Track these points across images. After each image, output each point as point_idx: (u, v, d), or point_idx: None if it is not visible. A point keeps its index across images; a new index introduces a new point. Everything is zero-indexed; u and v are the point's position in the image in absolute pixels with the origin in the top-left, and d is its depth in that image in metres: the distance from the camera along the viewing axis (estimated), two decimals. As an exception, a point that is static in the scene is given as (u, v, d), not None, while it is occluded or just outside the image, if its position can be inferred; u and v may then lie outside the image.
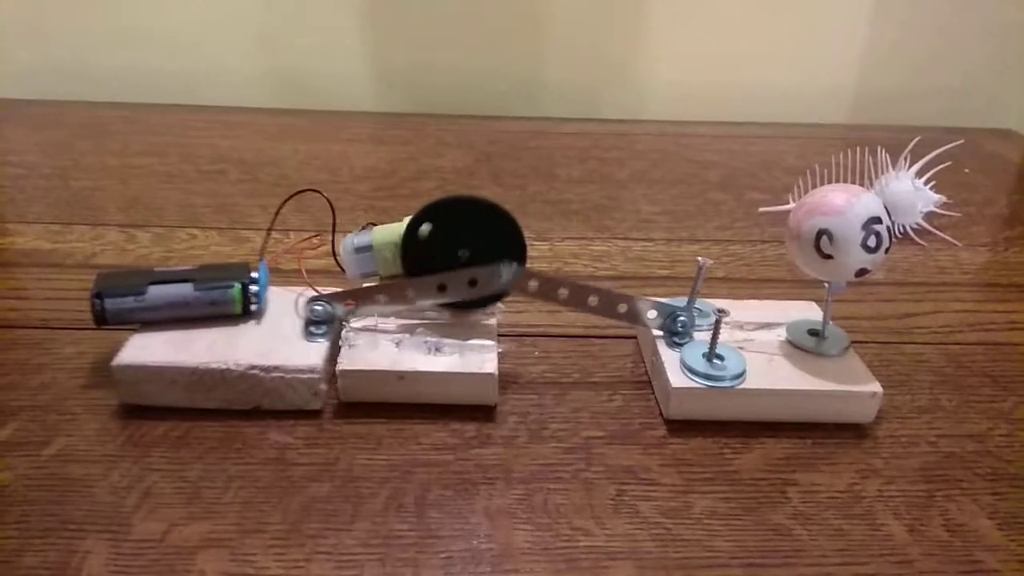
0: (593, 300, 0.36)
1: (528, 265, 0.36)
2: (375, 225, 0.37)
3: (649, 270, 0.49)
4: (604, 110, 0.84)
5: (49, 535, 0.27)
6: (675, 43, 0.83)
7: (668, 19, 0.82)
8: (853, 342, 0.37)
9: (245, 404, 0.34)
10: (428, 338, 0.36)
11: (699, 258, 0.36)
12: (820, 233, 0.33)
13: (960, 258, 0.53)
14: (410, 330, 0.36)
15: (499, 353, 0.35)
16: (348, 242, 0.37)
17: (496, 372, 0.34)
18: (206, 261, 0.47)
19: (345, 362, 0.34)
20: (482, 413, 0.34)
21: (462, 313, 0.37)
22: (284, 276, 0.39)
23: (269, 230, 0.39)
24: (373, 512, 0.29)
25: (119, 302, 0.35)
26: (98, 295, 0.35)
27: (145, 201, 0.56)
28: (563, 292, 0.36)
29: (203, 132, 0.72)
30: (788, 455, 0.33)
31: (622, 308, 0.37)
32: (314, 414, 0.34)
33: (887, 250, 0.33)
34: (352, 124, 0.78)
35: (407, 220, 0.36)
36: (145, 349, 0.34)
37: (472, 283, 0.35)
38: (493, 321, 0.38)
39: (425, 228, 0.36)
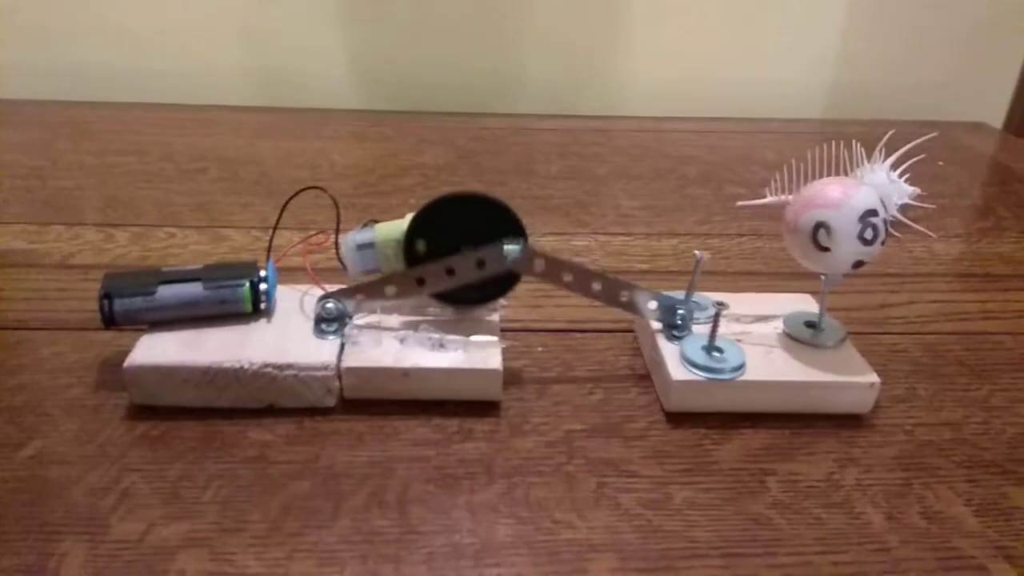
0: (597, 286, 0.36)
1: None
2: (376, 222, 0.37)
3: (629, 264, 0.50)
4: (583, 106, 0.84)
5: (26, 537, 0.27)
6: (653, 39, 0.83)
7: (646, 15, 0.82)
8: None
9: (258, 403, 0.34)
10: (431, 334, 0.36)
11: (696, 252, 0.36)
12: (818, 226, 0.33)
13: (935, 249, 0.54)
14: (413, 327, 0.36)
15: (503, 349, 0.35)
16: (350, 239, 0.37)
17: (501, 368, 0.34)
18: (185, 260, 0.47)
19: (349, 359, 0.34)
20: (463, 408, 0.34)
21: (465, 310, 0.37)
22: (287, 274, 0.39)
23: (274, 228, 0.39)
24: (354, 509, 0.29)
25: (128, 302, 0.34)
26: (107, 295, 0.34)
27: (123, 200, 0.56)
28: (568, 276, 0.35)
29: (182, 130, 0.72)
30: (767, 445, 0.33)
31: (624, 297, 0.37)
32: (294, 412, 0.34)
33: (883, 242, 0.33)
34: (333, 122, 0.77)
35: (410, 216, 0.36)
36: (156, 349, 0.34)
37: (480, 264, 0.35)
38: (496, 317, 0.37)
39: (421, 246, 0.36)
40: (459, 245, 0.35)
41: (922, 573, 0.27)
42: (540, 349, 0.39)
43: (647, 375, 0.38)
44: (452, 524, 0.28)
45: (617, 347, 0.40)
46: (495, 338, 0.36)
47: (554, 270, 0.35)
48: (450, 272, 0.35)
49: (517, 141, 0.73)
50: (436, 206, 0.35)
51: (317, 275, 0.37)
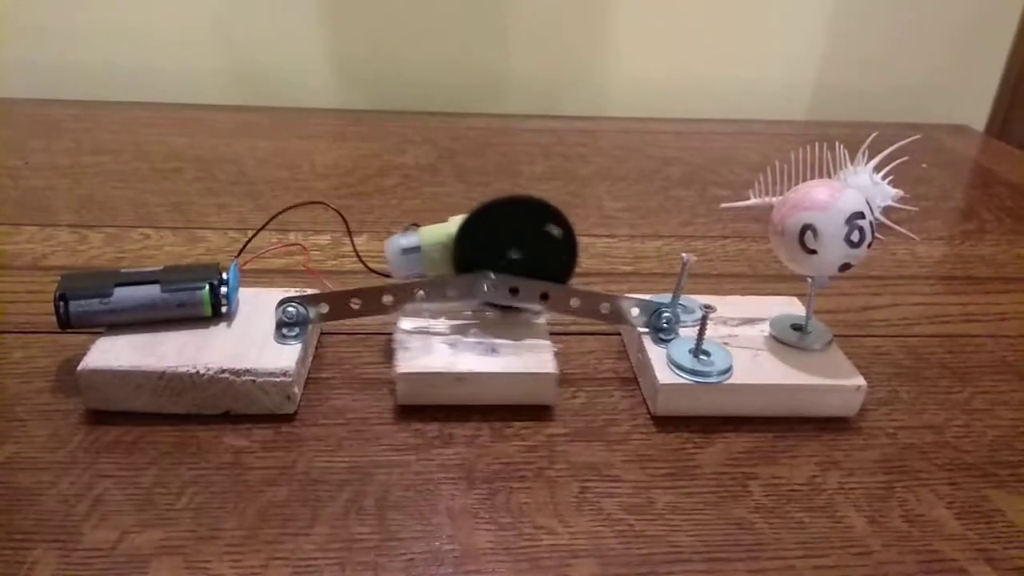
0: (575, 302, 0.36)
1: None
2: (418, 226, 0.37)
3: (612, 266, 0.49)
4: (568, 107, 0.84)
5: (-6, 546, 0.26)
6: (638, 40, 0.83)
7: (632, 16, 0.82)
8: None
9: (215, 409, 0.33)
10: (482, 339, 0.35)
11: (683, 254, 0.36)
12: (805, 228, 0.33)
13: (917, 252, 0.54)
14: (463, 331, 0.36)
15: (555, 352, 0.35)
16: (394, 243, 0.36)
17: (556, 371, 0.34)
18: (160, 262, 0.46)
19: (402, 365, 0.34)
20: (442, 412, 0.34)
21: (512, 313, 0.37)
22: (260, 276, 0.38)
23: (258, 230, 0.39)
24: (332, 515, 0.28)
25: (84, 304, 0.34)
26: (62, 297, 0.34)
27: (97, 201, 0.55)
28: (543, 297, 0.36)
29: (158, 129, 0.71)
30: (749, 449, 0.33)
31: (604, 308, 0.37)
32: (273, 417, 0.33)
33: (869, 244, 0.33)
34: (313, 121, 0.76)
35: (456, 220, 0.36)
36: (111, 353, 0.33)
37: (451, 290, 0.35)
38: (543, 320, 0.37)
39: (556, 230, 0.35)
40: (509, 247, 0.35)
41: (904, 577, 0.27)
42: None
43: (630, 378, 0.37)
44: (432, 530, 0.28)
45: (600, 350, 0.39)
46: (546, 341, 0.36)
47: (528, 294, 0.35)
48: (420, 293, 0.35)
49: (500, 141, 0.73)
50: (498, 205, 0.35)
51: (275, 276, 0.37)
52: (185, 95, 0.80)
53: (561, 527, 0.29)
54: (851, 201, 0.33)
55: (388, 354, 0.38)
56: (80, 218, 0.52)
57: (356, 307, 0.35)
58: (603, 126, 0.80)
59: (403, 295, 0.35)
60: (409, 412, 0.34)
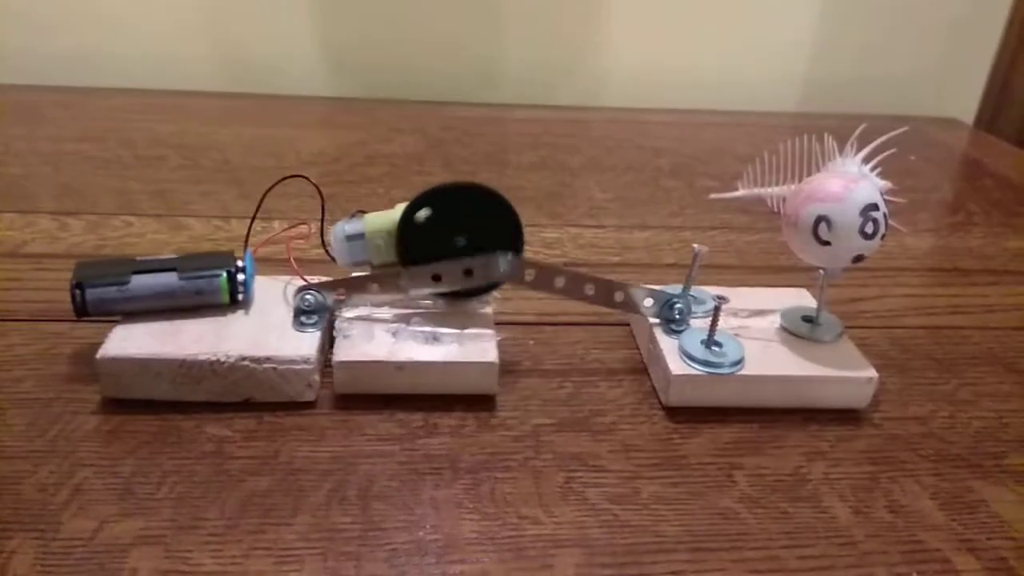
0: (590, 289, 0.36)
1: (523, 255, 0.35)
2: (365, 212, 0.36)
3: (600, 257, 0.49)
4: (559, 96, 0.84)
5: (-29, 535, 0.26)
6: (628, 31, 0.83)
7: (624, 6, 0.81)
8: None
9: (235, 397, 0.33)
10: (425, 328, 0.35)
11: (695, 245, 0.35)
12: (819, 219, 0.33)
13: (905, 243, 0.54)
14: (406, 320, 0.36)
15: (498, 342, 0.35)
16: (339, 230, 0.36)
17: (497, 360, 0.33)
18: (142, 250, 0.46)
19: (341, 353, 0.33)
20: (427, 403, 0.34)
21: (458, 302, 0.37)
22: (262, 264, 0.38)
23: (253, 218, 0.38)
24: (315, 505, 0.28)
25: (101, 292, 0.33)
26: (78, 285, 0.33)
27: (79, 188, 0.54)
28: (559, 281, 0.35)
29: (142, 116, 0.70)
30: (735, 439, 0.33)
31: (619, 296, 0.36)
32: (253, 406, 0.33)
33: (883, 236, 0.33)
34: (300, 108, 0.76)
35: (400, 207, 0.35)
36: (129, 341, 0.33)
37: (467, 273, 0.34)
38: (489, 310, 0.37)
39: (423, 213, 0.35)
40: (455, 234, 0.35)
41: (887, 566, 0.27)
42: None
43: (617, 369, 0.37)
44: (415, 520, 0.28)
45: (586, 341, 0.39)
46: (490, 331, 0.35)
47: (545, 277, 0.35)
48: (436, 278, 0.34)
49: (490, 131, 0.73)
50: (451, 190, 0.34)
51: (300, 266, 0.36)
52: (170, 81, 0.79)
53: (546, 517, 0.28)
54: (865, 193, 0.33)
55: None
56: (61, 205, 0.51)
57: (374, 291, 0.35)
58: (593, 116, 0.80)
59: (419, 279, 0.34)
60: (393, 401, 0.34)
